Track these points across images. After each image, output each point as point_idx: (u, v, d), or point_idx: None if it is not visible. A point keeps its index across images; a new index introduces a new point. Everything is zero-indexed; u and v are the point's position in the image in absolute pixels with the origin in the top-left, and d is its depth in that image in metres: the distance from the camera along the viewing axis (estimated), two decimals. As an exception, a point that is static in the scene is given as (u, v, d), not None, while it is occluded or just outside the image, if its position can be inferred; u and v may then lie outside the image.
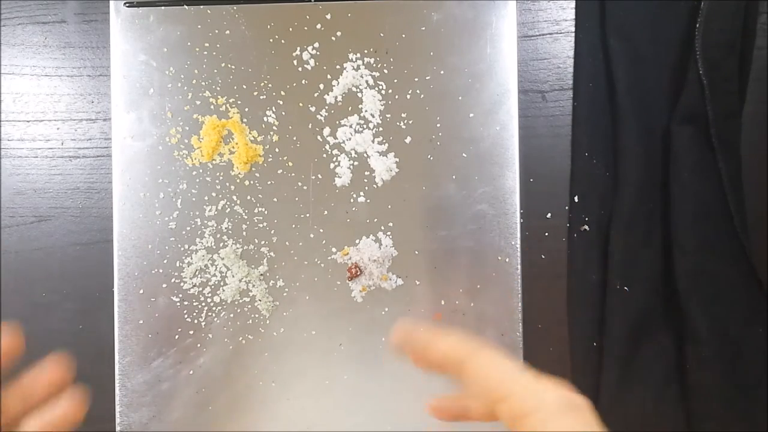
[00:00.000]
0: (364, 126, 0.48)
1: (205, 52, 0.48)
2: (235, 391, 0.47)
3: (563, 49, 0.50)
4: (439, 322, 0.47)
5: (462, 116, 0.47)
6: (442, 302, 0.47)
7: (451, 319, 0.47)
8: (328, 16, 0.48)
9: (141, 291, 0.48)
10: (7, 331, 0.29)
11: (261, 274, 0.48)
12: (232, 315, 0.48)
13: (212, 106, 0.48)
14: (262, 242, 0.48)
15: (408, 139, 0.47)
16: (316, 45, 0.48)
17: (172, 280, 0.48)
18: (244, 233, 0.48)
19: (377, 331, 0.47)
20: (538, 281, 0.48)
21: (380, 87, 0.48)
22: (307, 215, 0.48)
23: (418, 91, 0.47)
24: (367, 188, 0.47)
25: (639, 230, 0.47)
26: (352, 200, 0.47)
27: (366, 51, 0.47)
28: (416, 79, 0.47)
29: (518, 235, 0.46)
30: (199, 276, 0.48)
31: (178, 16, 0.48)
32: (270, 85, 0.48)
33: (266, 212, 0.48)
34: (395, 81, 0.47)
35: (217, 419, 0.47)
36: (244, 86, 0.48)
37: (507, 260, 0.47)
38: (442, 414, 0.30)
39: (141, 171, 0.48)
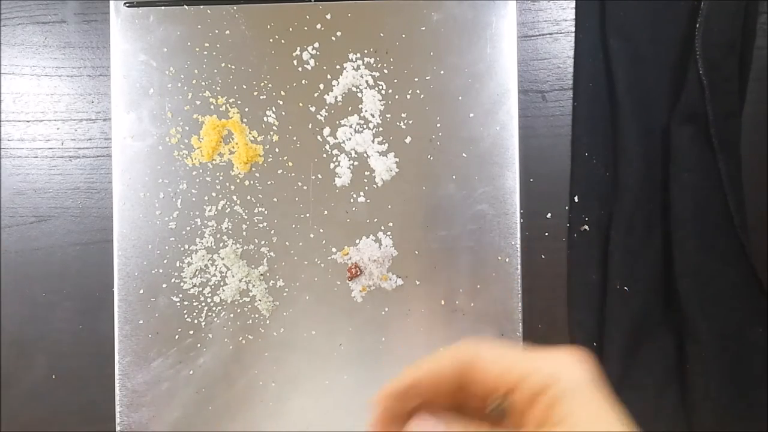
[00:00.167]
0: (364, 126, 0.48)
1: (205, 52, 0.48)
2: (235, 391, 0.47)
3: (563, 49, 0.50)
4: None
5: (462, 116, 0.47)
6: (442, 302, 0.47)
7: (451, 319, 0.47)
8: (328, 16, 0.48)
9: (141, 291, 0.48)
10: None
11: (261, 274, 0.48)
12: (232, 315, 0.48)
13: (212, 106, 0.48)
14: (262, 242, 0.48)
15: (408, 139, 0.47)
16: (316, 45, 0.48)
17: (172, 280, 0.48)
18: (244, 233, 0.48)
19: (377, 331, 0.47)
20: (538, 281, 0.48)
21: (380, 87, 0.48)
22: (307, 215, 0.48)
23: (418, 91, 0.47)
24: (367, 188, 0.47)
25: (639, 230, 0.47)
26: (352, 200, 0.47)
27: (366, 51, 0.47)
28: (416, 79, 0.47)
29: (518, 235, 0.46)
30: (199, 276, 0.48)
31: (178, 16, 0.48)
32: (270, 85, 0.48)
33: (266, 212, 0.48)
34: (395, 81, 0.47)
35: (217, 419, 0.47)
36: (244, 86, 0.48)
37: (507, 260, 0.47)
38: None
39: (141, 171, 0.48)
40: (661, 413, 0.46)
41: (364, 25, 0.47)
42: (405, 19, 0.47)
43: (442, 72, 0.47)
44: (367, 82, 0.47)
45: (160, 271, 0.48)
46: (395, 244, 0.47)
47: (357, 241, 0.47)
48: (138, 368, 0.47)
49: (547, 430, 0.24)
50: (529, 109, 0.49)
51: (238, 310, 0.48)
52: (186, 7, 0.48)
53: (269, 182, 0.48)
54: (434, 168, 0.47)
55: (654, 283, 0.47)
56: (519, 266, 0.46)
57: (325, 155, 0.48)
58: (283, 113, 0.48)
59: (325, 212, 0.48)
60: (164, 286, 0.48)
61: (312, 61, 0.48)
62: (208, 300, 0.48)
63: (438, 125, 0.47)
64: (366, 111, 0.47)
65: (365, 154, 0.48)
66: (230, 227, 0.48)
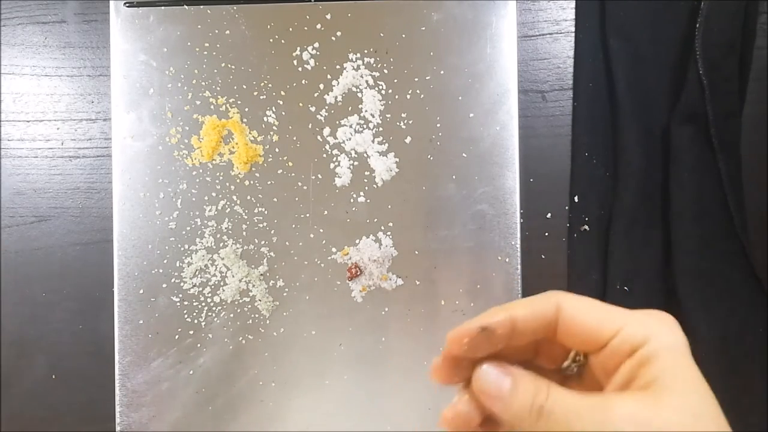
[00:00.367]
0: (364, 126, 0.48)
1: (205, 52, 0.48)
2: (235, 391, 0.47)
3: (563, 49, 0.50)
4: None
5: (462, 116, 0.47)
6: (442, 302, 0.47)
7: (451, 319, 0.47)
8: (328, 16, 0.48)
9: (141, 291, 0.48)
10: None
11: (261, 274, 0.48)
12: (232, 315, 0.48)
13: (212, 106, 0.48)
14: (262, 242, 0.48)
15: (408, 139, 0.47)
16: (316, 45, 0.48)
17: (172, 280, 0.48)
18: (244, 233, 0.48)
19: (377, 331, 0.47)
20: (538, 281, 0.48)
21: (380, 87, 0.48)
22: (307, 215, 0.48)
23: (418, 91, 0.47)
24: (367, 188, 0.47)
25: (639, 230, 0.47)
26: (352, 200, 0.47)
27: (366, 51, 0.47)
28: (416, 79, 0.47)
29: (518, 235, 0.46)
30: (199, 276, 0.48)
31: (178, 16, 0.48)
32: (270, 85, 0.48)
33: (266, 212, 0.48)
34: (395, 81, 0.47)
35: (217, 419, 0.47)
36: (244, 86, 0.48)
37: (507, 260, 0.47)
38: (456, 424, 0.25)
39: (141, 171, 0.48)
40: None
41: (364, 25, 0.47)
42: (405, 19, 0.47)
43: (442, 72, 0.47)
44: (367, 82, 0.47)
45: (160, 271, 0.48)
46: (395, 244, 0.47)
47: (357, 241, 0.47)
48: (138, 368, 0.47)
49: (636, 391, 0.22)
50: (529, 109, 0.49)
51: (238, 310, 0.48)
52: (186, 7, 0.48)
53: (269, 182, 0.48)
54: (434, 168, 0.47)
55: (654, 283, 0.47)
56: (519, 266, 0.46)
57: (325, 155, 0.48)
58: (283, 113, 0.48)
59: (325, 212, 0.48)
60: (164, 286, 0.48)
61: (312, 61, 0.48)
62: (208, 300, 0.48)
63: (438, 125, 0.47)
64: (366, 111, 0.47)
65: (365, 154, 0.48)
66: (230, 227, 0.48)
